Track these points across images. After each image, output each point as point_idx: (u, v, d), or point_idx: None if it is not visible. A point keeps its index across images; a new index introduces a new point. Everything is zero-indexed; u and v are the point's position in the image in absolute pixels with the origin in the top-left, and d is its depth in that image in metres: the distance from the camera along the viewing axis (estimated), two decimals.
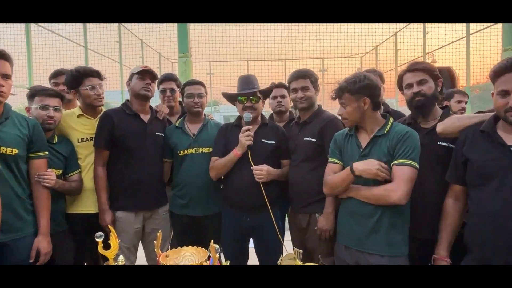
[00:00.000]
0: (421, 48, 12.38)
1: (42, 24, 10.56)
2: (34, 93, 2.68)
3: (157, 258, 1.82)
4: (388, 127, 2.28)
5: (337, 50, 16.16)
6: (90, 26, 12.19)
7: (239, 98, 2.91)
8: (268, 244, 2.89)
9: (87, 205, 2.92)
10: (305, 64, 17.43)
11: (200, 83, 3.13)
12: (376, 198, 2.19)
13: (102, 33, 13.25)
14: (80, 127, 2.96)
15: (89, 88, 2.90)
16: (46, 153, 2.54)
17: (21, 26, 9.96)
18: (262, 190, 2.75)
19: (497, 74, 1.92)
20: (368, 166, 2.18)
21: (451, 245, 2.20)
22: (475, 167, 2.01)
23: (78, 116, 2.98)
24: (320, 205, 2.69)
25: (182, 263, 1.77)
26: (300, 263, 1.87)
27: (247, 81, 2.92)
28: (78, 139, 2.93)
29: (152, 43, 15.62)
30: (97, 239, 1.81)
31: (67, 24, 11.58)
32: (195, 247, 1.88)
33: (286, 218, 3.17)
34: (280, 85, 3.43)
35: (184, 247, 1.88)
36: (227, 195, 2.94)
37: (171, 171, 3.16)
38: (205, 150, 3.04)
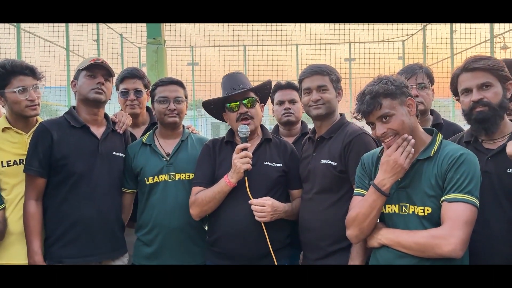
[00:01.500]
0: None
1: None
2: None
3: None
4: (435, 147, 1.89)
5: (369, 32, 15.61)
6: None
7: (228, 104, 2.38)
8: None
9: (13, 255, 2.39)
10: (325, 50, 16.02)
11: (178, 83, 2.57)
12: (420, 248, 1.79)
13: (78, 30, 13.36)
14: (5, 146, 2.43)
15: (18, 90, 2.37)
16: None
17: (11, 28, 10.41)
18: (265, 233, 2.24)
19: None
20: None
21: None
22: None
23: (3, 129, 2.45)
24: (344, 256, 2.15)
25: None
26: None
27: (234, 80, 2.41)
28: (2, 162, 2.41)
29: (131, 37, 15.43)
30: None
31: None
32: None
33: None
34: (289, 86, 2.91)
35: None
36: (214, 241, 2.39)
37: (133, 207, 2.65)
38: (183, 176, 2.49)
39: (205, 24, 14.37)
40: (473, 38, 13.03)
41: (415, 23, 15.36)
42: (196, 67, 16.18)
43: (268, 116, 14.00)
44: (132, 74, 2.80)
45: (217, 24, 14.46)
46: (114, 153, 2.50)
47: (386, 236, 1.90)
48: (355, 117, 1.97)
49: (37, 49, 12.39)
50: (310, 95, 2.25)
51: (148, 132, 2.61)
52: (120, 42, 15.29)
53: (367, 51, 16.24)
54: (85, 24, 13.62)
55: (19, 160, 2.40)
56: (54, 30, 12.71)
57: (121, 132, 2.58)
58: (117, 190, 2.53)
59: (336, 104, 2.29)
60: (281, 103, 2.87)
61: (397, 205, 1.90)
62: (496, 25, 11.61)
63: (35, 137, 2.36)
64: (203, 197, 2.29)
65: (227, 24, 14.48)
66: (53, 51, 12.72)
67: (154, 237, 2.42)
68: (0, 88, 2.39)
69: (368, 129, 2.13)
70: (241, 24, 14.65)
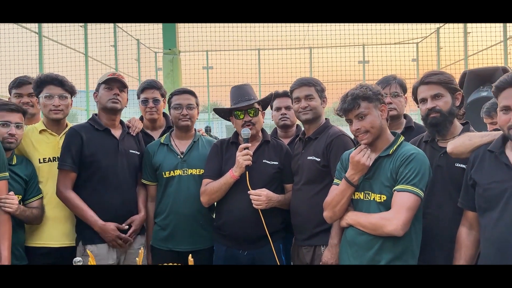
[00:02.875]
0: None
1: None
2: None
3: None
4: (394, 147, 2.22)
5: (383, 34, 15.50)
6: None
7: (235, 112, 2.77)
8: None
9: (49, 237, 2.78)
10: (339, 52, 16.14)
11: (190, 92, 2.98)
12: (372, 227, 2.16)
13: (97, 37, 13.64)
14: (42, 146, 2.82)
15: (45, 97, 2.78)
16: (7, 174, 2.45)
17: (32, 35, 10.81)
18: (262, 219, 2.60)
19: (499, 89, 1.93)
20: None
21: None
22: (481, 190, 2.01)
23: (41, 131, 2.85)
24: (326, 237, 2.51)
25: None
26: None
27: (241, 92, 2.79)
28: (39, 159, 2.80)
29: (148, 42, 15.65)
30: (76, 264, 1.90)
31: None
32: None
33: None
34: (285, 94, 3.25)
35: None
36: (220, 225, 2.77)
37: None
38: (195, 171, 2.87)
39: (219, 28, 14.54)
40: (488, 40, 12.94)
41: (429, 25, 15.04)
42: (210, 70, 16.40)
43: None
44: (151, 85, 3.22)
45: (231, 28, 14.63)
46: (131, 151, 2.90)
47: (351, 217, 2.26)
48: (337, 114, 2.29)
49: (58, 55, 12.77)
50: (300, 103, 2.65)
51: (165, 134, 3.01)
52: (137, 47, 15.67)
53: (381, 53, 16.20)
54: (103, 29, 13.92)
55: (53, 158, 2.79)
56: (73, 36, 13.07)
57: (134, 134, 2.99)
58: (135, 182, 2.93)
59: (322, 110, 2.69)
60: (278, 109, 3.27)
61: (362, 193, 2.25)
62: (510, 26, 11.62)
63: (68, 138, 2.75)
64: (211, 188, 2.68)
65: (241, 28, 14.70)
66: (73, 57, 13.11)
67: (169, 222, 2.80)
68: (37, 94, 2.82)
69: (349, 133, 2.51)
70: (254, 27, 14.80)
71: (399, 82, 2.83)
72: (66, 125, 2.93)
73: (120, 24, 14.31)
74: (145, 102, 3.21)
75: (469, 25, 13.16)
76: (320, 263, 2.50)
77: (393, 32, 15.51)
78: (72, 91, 2.86)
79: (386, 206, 2.14)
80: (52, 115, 2.78)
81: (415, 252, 2.17)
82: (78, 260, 1.91)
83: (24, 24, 10.84)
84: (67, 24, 12.52)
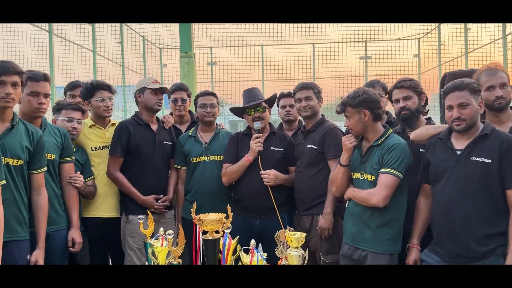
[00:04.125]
0: None
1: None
2: (61, 107, 3.30)
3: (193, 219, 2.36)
4: (383, 138, 2.84)
5: (385, 30, 15.86)
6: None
7: (247, 110, 3.49)
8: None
9: (100, 209, 3.52)
10: (343, 48, 16.49)
11: (213, 94, 3.74)
12: (362, 200, 2.83)
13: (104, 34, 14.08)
14: (93, 137, 3.55)
15: (99, 100, 3.48)
16: (73, 158, 3.17)
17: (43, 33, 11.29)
18: (271, 194, 3.31)
19: (445, 93, 2.59)
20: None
21: (422, 235, 2.83)
22: (432, 168, 2.68)
23: (90, 126, 3.57)
24: (321, 207, 3.24)
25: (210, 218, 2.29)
26: (289, 231, 2.36)
27: (251, 94, 3.53)
28: (92, 147, 3.52)
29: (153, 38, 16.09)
30: (139, 221, 2.56)
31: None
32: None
33: None
34: (289, 95, 3.91)
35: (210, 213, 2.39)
36: (238, 199, 3.48)
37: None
38: (216, 158, 3.61)
39: (224, 25, 14.86)
40: (488, 36, 13.25)
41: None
42: (215, 66, 16.79)
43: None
44: (179, 88, 3.98)
45: (235, 25, 14.98)
46: (165, 142, 3.63)
47: (350, 192, 2.93)
48: (336, 112, 2.94)
49: (67, 52, 13.27)
50: (301, 103, 3.37)
51: (193, 128, 3.74)
52: (142, 44, 16.08)
53: (383, 49, 16.52)
54: (110, 27, 14.39)
55: (101, 146, 3.51)
56: (82, 34, 13.58)
57: (167, 128, 3.73)
58: (167, 167, 3.66)
59: (318, 108, 3.41)
60: (283, 107, 3.97)
61: (359, 173, 2.90)
62: (509, 24, 11.76)
63: (118, 130, 3.44)
64: (230, 170, 3.41)
65: (244, 25, 15.03)
66: (81, 54, 13.60)
67: (196, 198, 3.39)
68: (88, 98, 3.49)
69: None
70: (258, 25, 15.13)
71: (382, 85, 3.58)
72: (109, 121, 3.65)
73: None
74: (175, 101, 3.97)
75: None
76: (317, 228, 3.23)
77: (394, 29, 15.85)
78: (114, 92, 3.58)
79: (374, 184, 2.78)
80: (105, 114, 3.52)
81: (400, 221, 2.79)
82: (140, 218, 2.58)
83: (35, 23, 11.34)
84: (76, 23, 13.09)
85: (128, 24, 15.04)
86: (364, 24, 15.48)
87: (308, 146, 3.36)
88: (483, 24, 13.24)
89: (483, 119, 2.70)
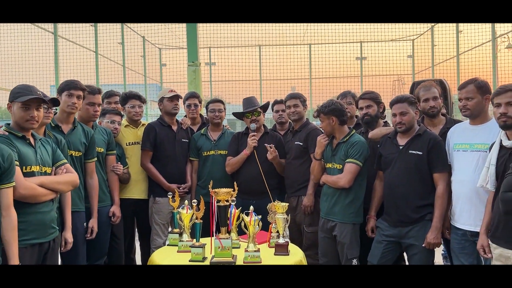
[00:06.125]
0: None
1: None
2: (105, 112, 4.37)
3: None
4: (348, 136, 3.89)
5: (380, 31, 16.57)
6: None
7: (246, 114, 4.56)
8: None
9: (133, 192, 4.55)
10: (339, 49, 17.15)
11: (221, 101, 4.82)
12: (332, 183, 3.88)
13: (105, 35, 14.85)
14: (127, 135, 4.61)
15: (130, 107, 4.57)
16: (115, 151, 4.24)
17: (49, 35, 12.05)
18: (264, 180, 4.34)
19: (391, 104, 3.61)
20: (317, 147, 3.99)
21: (377, 209, 3.89)
22: (383, 158, 3.73)
23: (125, 126, 4.64)
24: (305, 190, 4.29)
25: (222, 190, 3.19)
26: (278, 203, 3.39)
27: (249, 102, 4.59)
28: (126, 143, 4.58)
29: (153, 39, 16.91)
30: (169, 196, 3.55)
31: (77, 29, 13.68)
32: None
33: None
34: (281, 102, 4.86)
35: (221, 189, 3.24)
36: (238, 184, 4.23)
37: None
38: (222, 152, 4.66)
39: (221, 26, 15.53)
40: (478, 38, 13.85)
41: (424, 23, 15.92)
42: (213, 66, 17.53)
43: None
44: (192, 95, 4.99)
45: (233, 25, 15.72)
46: (183, 140, 4.65)
47: (324, 178, 3.96)
48: (314, 116, 4.06)
49: (71, 53, 14.18)
50: (290, 109, 4.43)
51: (204, 128, 4.77)
52: (142, 44, 16.92)
53: (378, 50, 17.38)
54: (111, 28, 15.23)
55: (134, 142, 4.54)
56: (84, 35, 14.52)
57: (184, 128, 4.78)
58: (185, 160, 4.66)
59: (304, 113, 4.47)
60: (277, 111, 4.96)
61: (330, 164, 3.90)
62: (500, 25, 12.54)
63: (147, 130, 4.44)
64: (232, 161, 4.46)
65: (242, 26, 15.79)
66: (84, 54, 14.53)
67: (206, 184, 4.22)
68: (123, 104, 4.58)
69: None
70: (256, 25, 15.83)
71: (352, 95, 4.66)
72: (140, 122, 4.70)
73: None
74: (189, 106, 5.01)
75: (461, 24, 14.02)
76: (301, 206, 4.29)
77: (389, 30, 16.68)
78: (144, 101, 4.67)
79: (342, 171, 3.78)
80: (134, 117, 4.57)
81: (360, 198, 3.79)
82: (170, 194, 3.60)
83: (40, 25, 12.23)
84: (79, 24, 13.88)
85: (129, 24, 15.88)
86: (359, 25, 16.22)
87: (296, 142, 4.42)
88: (474, 26, 13.88)
89: (422, 123, 3.80)
